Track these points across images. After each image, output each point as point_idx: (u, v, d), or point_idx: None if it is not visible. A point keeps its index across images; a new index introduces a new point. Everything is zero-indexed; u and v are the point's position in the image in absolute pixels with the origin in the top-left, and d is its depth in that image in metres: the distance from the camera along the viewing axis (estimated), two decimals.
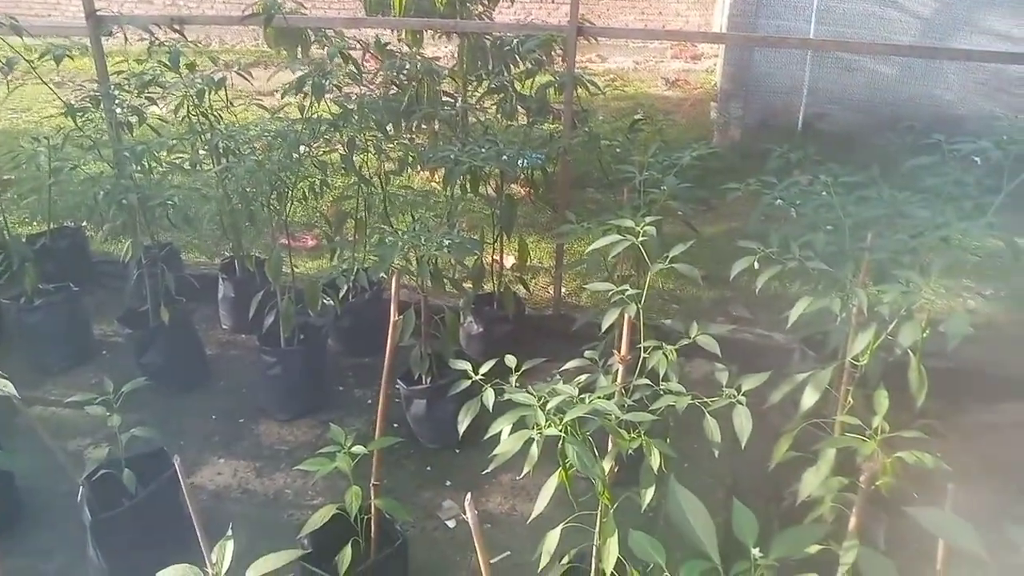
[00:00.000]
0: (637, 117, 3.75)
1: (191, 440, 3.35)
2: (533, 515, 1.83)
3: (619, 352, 2.02)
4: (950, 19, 6.08)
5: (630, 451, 1.89)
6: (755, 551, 1.34)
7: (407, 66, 4.10)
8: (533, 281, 4.51)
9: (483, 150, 3.35)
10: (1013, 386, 3.50)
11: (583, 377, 2.08)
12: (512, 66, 4.69)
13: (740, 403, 1.94)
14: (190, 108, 3.76)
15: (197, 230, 4.31)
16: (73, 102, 3.72)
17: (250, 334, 3.93)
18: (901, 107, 6.27)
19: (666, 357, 2.09)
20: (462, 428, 2.24)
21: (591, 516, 1.94)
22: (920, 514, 1.34)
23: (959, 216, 2.42)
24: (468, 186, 3.51)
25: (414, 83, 4.13)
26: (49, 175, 3.84)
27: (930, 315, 2.24)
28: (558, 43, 4.26)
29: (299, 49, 4.65)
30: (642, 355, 2.15)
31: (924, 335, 2.06)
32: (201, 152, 3.75)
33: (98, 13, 4.06)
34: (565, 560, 2.12)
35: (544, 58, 4.40)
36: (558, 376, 2.08)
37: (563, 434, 1.70)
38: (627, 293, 2.24)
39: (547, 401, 1.77)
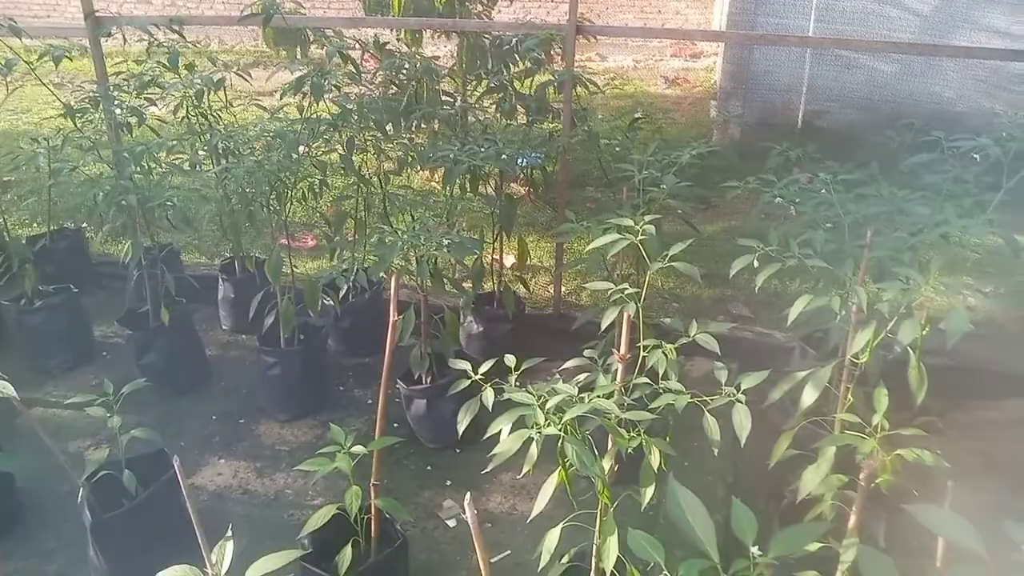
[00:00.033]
0: (636, 116, 3.75)
1: (191, 441, 3.35)
2: (533, 514, 1.83)
3: (618, 351, 2.02)
4: (949, 16, 6.07)
5: (630, 450, 1.89)
6: (754, 549, 1.34)
7: (406, 66, 4.09)
8: (533, 280, 4.51)
9: (482, 149, 3.35)
10: (1013, 383, 3.50)
11: (583, 376, 2.08)
12: (511, 65, 4.68)
13: (740, 401, 1.93)
14: (189, 109, 3.76)
15: (197, 231, 4.32)
16: (72, 103, 3.72)
17: (250, 335, 3.94)
18: (901, 104, 6.26)
19: (665, 356, 2.09)
20: (461, 428, 2.24)
21: (591, 515, 1.94)
22: (919, 512, 1.34)
23: (959, 213, 2.42)
24: (467, 186, 3.51)
25: (413, 83, 4.13)
26: (49, 176, 3.83)
27: (930, 312, 2.24)
28: (557, 42, 4.25)
29: (298, 49, 4.65)
30: (642, 354, 2.15)
31: (924, 333, 2.06)
32: (200, 153, 3.75)
33: (97, 14, 4.07)
34: (565, 559, 2.12)
35: (543, 57, 4.39)
36: (558, 375, 2.09)
37: (562, 433, 1.70)
38: (627, 292, 2.24)
39: (546, 400, 1.77)
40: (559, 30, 4.06)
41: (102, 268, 4.60)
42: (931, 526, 1.33)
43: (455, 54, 5.26)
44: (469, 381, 2.22)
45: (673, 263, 2.23)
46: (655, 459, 1.84)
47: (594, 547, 1.97)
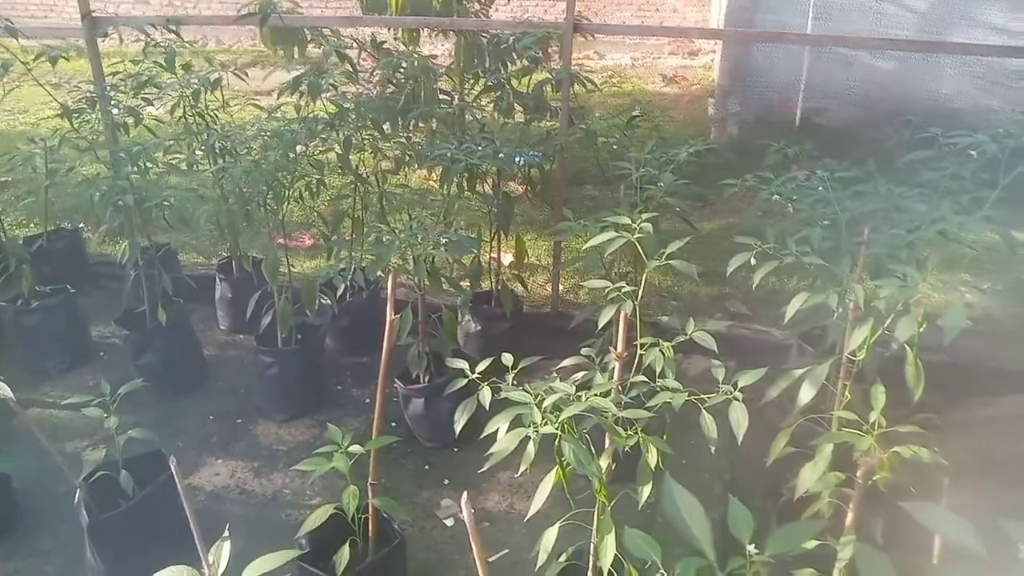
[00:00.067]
0: (634, 114, 3.74)
1: (189, 441, 3.35)
2: (531, 513, 1.83)
3: (616, 349, 2.02)
4: (947, 13, 6.07)
5: (627, 448, 1.88)
6: (750, 547, 1.34)
7: (403, 65, 4.09)
8: (531, 279, 4.51)
9: (480, 148, 3.35)
10: (1010, 380, 3.50)
11: (580, 374, 2.08)
12: (509, 64, 4.68)
13: (737, 399, 1.93)
14: (186, 109, 3.75)
15: (194, 231, 4.32)
16: (69, 104, 3.71)
17: (247, 334, 3.93)
18: (898, 102, 6.25)
19: (663, 354, 2.09)
20: (458, 427, 2.24)
21: (589, 513, 1.94)
22: (916, 509, 1.34)
23: (956, 210, 2.42)
24: (465, 184, 3.51)
25: (411, 82, 4.13)
26: (46, 177, 3.83)
27: (927, 309, 2.24)
28: (555, 40, 4.25)
29: (296, 49, 4.64)
30: (639, 352, 2.14)
31: (921, 329, 2.06)
32: (197, 152, 3.75)
33: (94, 14, 4.06)
34: (563, 558, 2.12)
35: (541, 55, 4.39)
36: (556, 373, 2.08)
37: (559, 432, 1.69)
38: (624, 290, 2.24)
39: (543, 399, 1.77)
40: (556, 28, 4.05)
41: (99, 268, 4.59)
42: (928, 524, 1.33)
43: (452, 53, 5.26)
44: (466, 380, 2.22)
45: (670, 261, 2.22)
46: (652, 457, 1.84)
47: (592, 546, 1.97)
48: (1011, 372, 3.52)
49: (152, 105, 3.83)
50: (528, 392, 1.81)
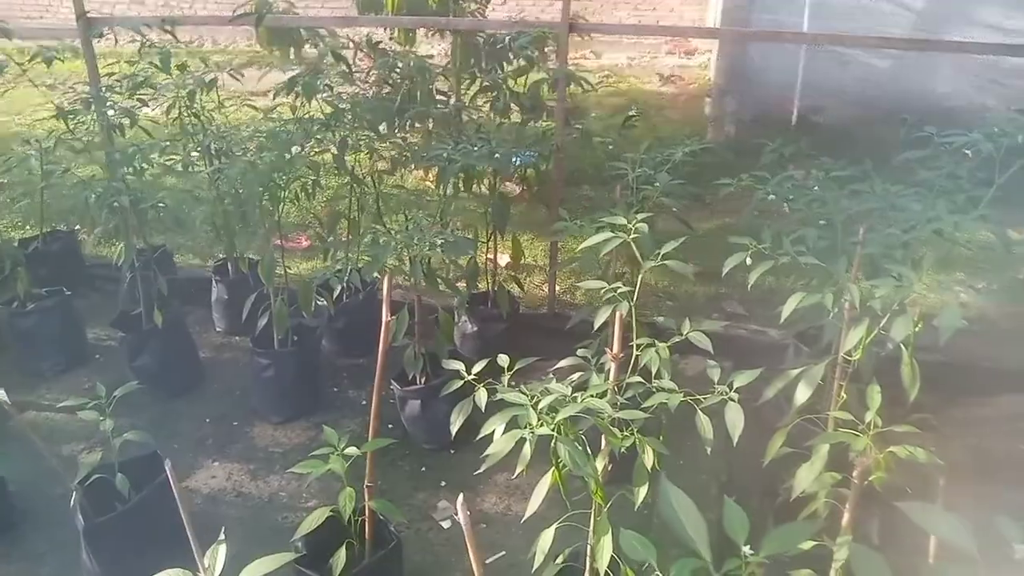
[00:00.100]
0: (631, 114, 3.75)
1: (185, 443, 3.34)
2: (527, 514, 1.83)
3: (612, 350, 2.02)
4: (942, 11, 6.08)
5: (623, 449, 1.88)
6: (745, 548, 1.34)
7: (399, 65, 4.09)
8: (527, 279, 4.51)
9: (476, 148, 3.34)
10: (1006, 379, 3.50)
11: (576, 375, 2.08)
12: (505, 64, 4.68)
13: (733, 400, 1.93)
14: (182, 109, 3.75)
15: (190, 232, 4.31)
16: (65, 105, 3.71)
17: (244, 336, 3.92)
18: (895, 100, 6.26)
19: (659, 354, 2.09)
20: (454, 428, 2.24)
21: (585, 515, 1.93)
22: (912, 509, 1.34)
23: (951, 209, 2.42)
24: (461, 185, 3.50)
25: (407, 82, 4.12)
26: (41, 178, 3.82)
27: (922, 309, 2.24)
28: (551, 40, 4.25)
29: (291, 49, 4.63)
30: (635, 352, 2.14)
31: (916, 329, 2.06)
32: (193, 154, 3.74)
33: (89, 15, 4.05)
34: (559, 559, 2.12)
35: (537, 55, 4.38)
36: (552, 375, 2.08)
37: (555, 433, 1.69)
38: (620, 290, 2.24)
39: (539, 400, 1.77)
40: (553, 28, 4.04)
41: (95, 270, 4.58)
42: (924, 524, 1.33)
43: (449, 53, 5.25)
44: (463, 381, 2.22)
45: (666, 261, 2.22)
46: (648, 458, 1.84)
47: (588, 547, 1.97)
48: (1006, 371, 3.52)
49: (148, 106, 3.82)
50: (524, 393, 1.81)
